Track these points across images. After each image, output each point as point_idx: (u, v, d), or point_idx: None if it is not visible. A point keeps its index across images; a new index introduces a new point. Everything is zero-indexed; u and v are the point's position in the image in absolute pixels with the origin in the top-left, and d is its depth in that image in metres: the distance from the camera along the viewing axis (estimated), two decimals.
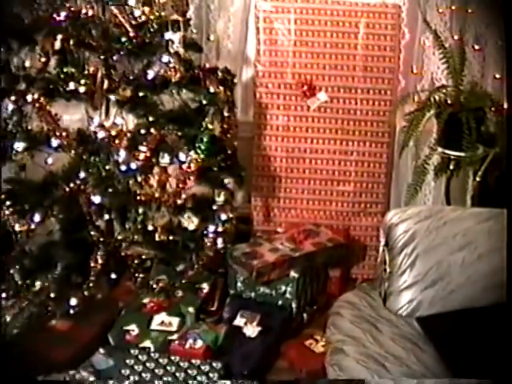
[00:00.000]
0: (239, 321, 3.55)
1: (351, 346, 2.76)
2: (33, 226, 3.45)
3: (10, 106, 3.44)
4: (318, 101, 3.93)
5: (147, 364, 3.20)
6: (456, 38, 3.87)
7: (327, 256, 3.84)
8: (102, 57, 3.43)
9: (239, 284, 3.74)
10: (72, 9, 3.40)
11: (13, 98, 3.44)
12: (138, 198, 3.49)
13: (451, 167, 3.87)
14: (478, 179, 3.77)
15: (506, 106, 3.67)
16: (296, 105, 3.96)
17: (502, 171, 3.65)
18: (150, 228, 3.58)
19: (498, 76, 3.91)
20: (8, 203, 3.42)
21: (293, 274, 3.67)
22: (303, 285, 3.70)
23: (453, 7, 3.87)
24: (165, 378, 3.15)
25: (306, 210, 4.06)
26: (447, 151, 3.80)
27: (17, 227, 3.45)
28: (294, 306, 3.68)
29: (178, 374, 3.16)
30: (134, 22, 3.43)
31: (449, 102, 3.78)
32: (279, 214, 4.08)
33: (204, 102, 3.52)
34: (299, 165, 4.02)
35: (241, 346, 3.42)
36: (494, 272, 2.83)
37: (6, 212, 3.43)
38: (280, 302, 3.69)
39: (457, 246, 2.87)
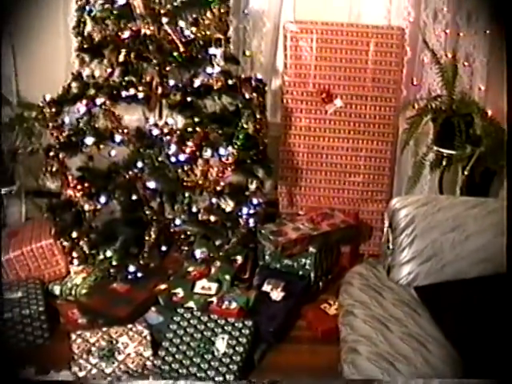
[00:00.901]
0: (266, 287, 3.58)
1: (360, 310, 2.78)
2: (98, 207, 3.50)
3: (82, 109, 3.48)
4: (335, 106, 3.94)
5: (191, 321, 3.23)
6: (449, 55, 3.86)
7: (340, 235, 3.86)
8: (156, 68, 3.44)
9: (267, 257, 3.77)
10: (133, 28, 3.44)
11: (84, 101, 3.48)
12: (185, 184, 3.51)
13: (444, 163, 3.89)
14: (466, 173, 3.76)
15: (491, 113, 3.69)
16: (316, 109, 3.96)
17: (486, 167, 3.68)
18: (194, 209, 3.60)
19: (482, 88, 3.92)
20: (79, 187, 3.47)
21: (311, 249, 3.70)
22: (320, 258, 3.73)
23: (447, 31, 3.87)
24: (205, 333, 3.19)
25: (322, 196, 4.07)
26: (441, 150, 3.83)
27: (86, 207, 3.50)
28: (311, 275, 3.70)
29: (216, 330, 3.19)
30: (183, 40, 3.44)
31: (443, 108, 3.80)
32: (300, 200, 4.10)
33: (240, 105, 3.53)
34: (318, 159, 4.03)
35: (267, 308, 3.45)
36: (479, 250, 2.85)
37: (77, 194, 3.48)
38: (300, 272, 3.71)
39: (448, 228, 2.87)
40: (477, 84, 3.94)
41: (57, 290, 3.66)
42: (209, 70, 3.48)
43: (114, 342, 3.21)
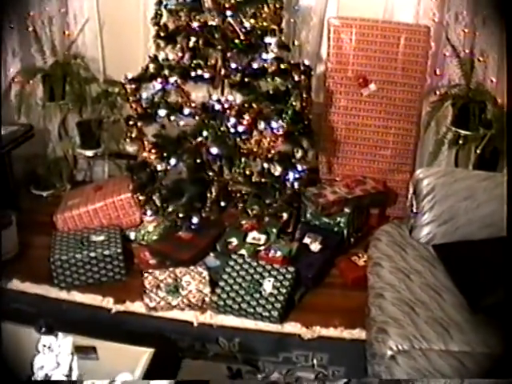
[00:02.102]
0: (306, 240, 3.55)
1: (386, 262, 2.76)
2: (169, 168, 3.50)
3: (157, 86, 3.47)
4: (369, 90, 3.86)
5: (243, 265, 3.24)
6: (467, 51, 3.79)
7: (370, 199, 3.81)
8: (220, 53, 3.41)
9: (308, 215, 3.74)
10: (202, 20, 3.39)
11: (159, 80, 3.46)
12: (242, 151, 3.48)
13: (460, 142, 3.83)
14: (478, 151, 3.70)
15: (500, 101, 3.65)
16: (353, 92, 3.88)
17: (495, 147, 3.63)
18: (248, 172, 3.58)
19: (494, 80, 3.83)
20: (153, 151, 3.48)
21: (346, 209, 3.67)
22: (352, 218, 3.69)
23: (466, 30, 3.78)
24: (254, 276, 3.19)
25: (357, 166, 4.00)
26: (458, 130, 3.77)
27: (158, 168, 3.50)
28: (345, 232, 3.67)
29: (263, 274, 3.19)
30: (243, 30, 3.40)
31: (461, 95, 3.74)
32: (338, 168, 4.03)
33: (290, 86, 3.47)
34: (353, 134, 3.96)
35: (307, 258, 3.43)
36: (487, 216, 2.80)
37: (152, 157, 3.49)
38: (335, 229, 3.68)
39: (462, 196, 2.82)
40: (489, 76, 3.85)
41: (132, 235, 3.69)
42: (264, 55, 3.43)
43: (179, 279, 3.24)
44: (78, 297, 3.29)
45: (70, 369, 2.21)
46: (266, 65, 3.45)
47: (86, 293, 3.31)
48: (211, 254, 3.50)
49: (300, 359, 2.93)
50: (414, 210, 2.93)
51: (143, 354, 2.36)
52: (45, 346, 2.19)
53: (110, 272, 3.37)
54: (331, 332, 3.06)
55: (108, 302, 3.23)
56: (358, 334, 2.99)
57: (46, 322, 2.18)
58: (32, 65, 4.23)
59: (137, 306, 3.20)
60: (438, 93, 3.91)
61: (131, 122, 3.52)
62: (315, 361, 2.91)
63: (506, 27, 3.35)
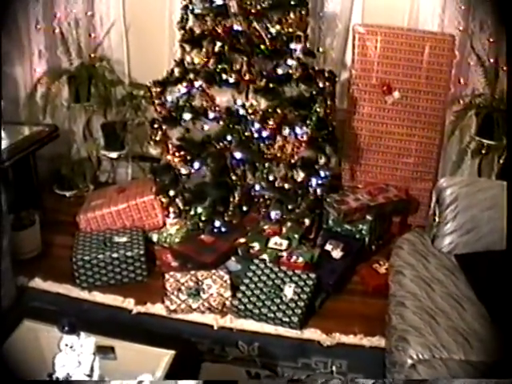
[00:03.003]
0: (328, 246, 3.55)
1: (408, 270, 2.74)
2: (192, 171, 3.52)
3: (183, 90, 3.50)
4: (393, 97, 3.86)
5: (264, 270, 3.24)
6: (492, 60, 3.78)
7: (392, 207, 3.80)
8: (245, 58, 3.41)
9: (330, 221, 3.73)
10: (227, 25, 3.42)
11: (184, 84, 3.50)
12: (265, 156, 3.49)
13: (483, 151, 3.82)
14: (501, 161, 3.70)
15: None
16: (377, 99, 3.88)
17: None
18: (271, 178, 3.58)
19: None
20: (177, 154, 3.49)
21: (368, 217, 3.66)
22: (374, 225, 3.68)
23: (490, 39, 3.77)
24: (276, 281, 3.19)
25: (379, 173, 4.00)
26: (482, 140, 3.76)
27: (182, 171, 3.52)
28: (366, 239, 3.66)
29: (284, 279, 3.19)
30: (269, 35, 3.41)
31: (485, 105, 3.74)
32: (360, 175, 4.03)
33: (314, 92, 3.48)
34: (377, 141, 3.95)
35: (328, 264, 3.43)
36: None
37: (176, 160, 3.50)
38: (357, 236, 3.67)
39: (485, 206, 2.79)
40: None
41: (154, 237, 3.71)
42: (289, 61, 3.45)
43: (200, 283, 3.25)
44: (99, 297, 3.32)
45: (92, 369, 2.22)
46: (290, 71, 3.46)
47: (107, 293, 3.33)
48: (233, 258, 3.50)
49: (319, 365, 2.91)
50: (437, 219, 2.92)
51: (164, 356, 2.37)
52: (67, 345, 2.19)
53: (131, 273, 3.40)
54: (351, 339, 3.05)
55: (129, 303, 3.25)
56: (378, 341, 2.98)
57: (69, 321, 2.19)
58: (58, 66, 4.28)
59: (157, 308, 3.21)
60: (461, 102, 3.90)
61: (156, 125, 3.55)
62: (334, 367, 2.90)
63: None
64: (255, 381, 2.83)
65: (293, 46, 3.44)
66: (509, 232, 2.62)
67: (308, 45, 3.55)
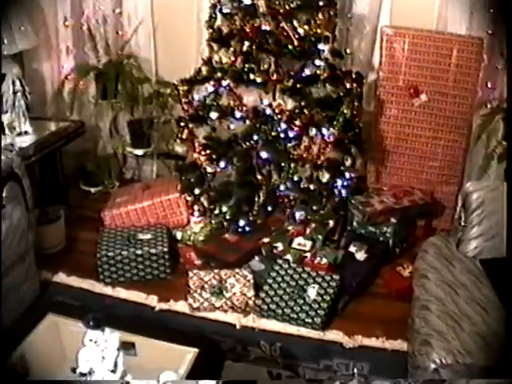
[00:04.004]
0: (352, 248, 3.53)
1: (432, 274, 2.74)
2: (218, 170, 3.53)
3: (210, 88, 3.52)
4: (420, 100, 3.84)
5: (288, 270, 3.23)
6: None
7: (417, 210, 3.78)
8: (273, 58, 3.42)
9: (354, 223, 3.72)
10: (255, 25, 3.42)
11: (211, 82, 3.51)
12: (291, 156, 3.50)
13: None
14: None
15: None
16: (404, 102, 3.86)
17: None
18: (296, 178, 3.58)
19: None
20: (203, 153, 3.50)
21: (392, 220, 3.63)
22: (399, 228, 3.65)
23: None
24: (299, 282, 3.18)
25: (405, 176, 3.98)
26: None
27: (208, 169, 3.54)
28: (390, 242, 3.64)
29: (308, 280, 3.18)
30: (297, 36, 3.42)
31: None
32: (386, 177, 4.01)
33: (341, 94, 3.48)
34: (403, 144, 3.93)
35: (352, 266, 3.41)
36: None
37: (202, 158, 3.52)
38: (381, 239, 3.65)
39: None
40: None
41: (179, 235, 3.73)
42: (317, 62, 3.45)
43: (224, 281, 3.25)
44: (122, 293, 3.34)
45: (115, 364, 2.24)
46: (318, 71, 3.47)
47: (130, 289, 3.35)
48: (256, 258, 3.50)
49: (340, 367, 2.91)
50: (462, 224, 2.90)
51: (188, 354, 2.39)
52: (91, 340, 2.22)
53: (155, 270, 3.41)
54: (373, 342, 3.03)
55: (152, 300, 3.26)
56: (400, 345, 2.96)
57: (94, 316, 2.21)
58: (85, 63, 4.31)
59: (180, 306, 3.23)
60: (489, 106, 3.86)
61: (182, 123, 3.57)
62: (356, 370, 2.89)
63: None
64: (275, 381, 2.82)
65: (321, 46, 3.44)
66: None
67: (336, 46, 3.54)
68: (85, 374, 2.23)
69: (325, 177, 3.48)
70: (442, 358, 2.30)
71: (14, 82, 3.68)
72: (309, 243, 3.53)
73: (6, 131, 3.74)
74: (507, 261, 2.66)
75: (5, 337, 2.66)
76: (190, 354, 2.39)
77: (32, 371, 2.44)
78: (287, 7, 3.38)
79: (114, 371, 2.23)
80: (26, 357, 2.43)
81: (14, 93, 3.68)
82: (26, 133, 3.74)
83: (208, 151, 3.50)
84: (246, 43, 3.45)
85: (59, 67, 4.38)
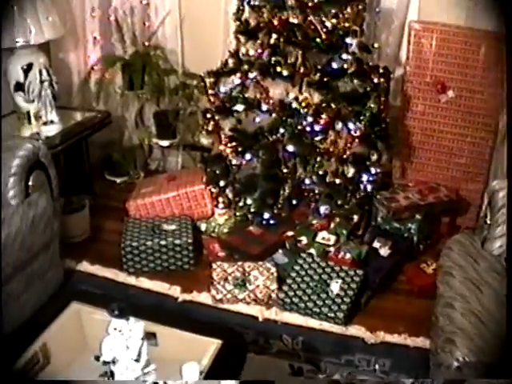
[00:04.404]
0: (376, 244, 3.51)
1: (457, 272, 2.71)
2: (243, 162, 3.54)
3: (237, 81, 3.52)
4: (447, 96, 3.80)
5: (311, 264, 3.23)
6: None
7: (442, 207, 3.75)
8: (300, 51, 3.41)
9: (379, 219, 3.70)
10: (283, 17, 3.41)
11: (238, 75, 3.51)
12: (317, 150, 3.50)
13: None
14: None
15: None
16: (431, 97, 3.83)
17: None
18: (321, 172, 3.57)
19: None
20: (229, 145, 3.51)
21: (417, 216, 3.61)
22: (423, 225, 3.63)
23: None
24: (322, 276, 3.18)
25: (430, 172, 3.95)
26: None
27: (233, 161, 3.54)
28: (415, 238, 3.62)
29: (331, 274, 3.18)
30: (325, 29, 3.40)
31: None
32: (411, 173, 4.00)
33: (368, 88, 3.46)
34: (429, 140, 3.91)
35: (376, 261, 3.40)
36: None
37: (227, 151, 3.52)
38: (405, 235, 3.63)
39: None
40: None
41: (203, 227, 3.74)
42: (344, 56, 3.42)
43: (247, 274, 3.25)
44: (145, 283, 3.36)
45: (139, 354, 2.25)
46: (345, 65, 3.44)
47: (153, 280, 3.37)
48: (280, 251, 3.50)
49: (362, 363, 2.90)
50: (488, 222, 2.87)
51: (211, 345, 2.39)
52: (115, 328, 2.22)
53: (178, 261, 3.43)
54: (395, 338, 3.02)
55: (175, 291, 3.28)
56: (422, 342, 2.95)
57: (119, 305, 2.21)
58: (112, 54, 4.32)
59: (203, 297, 3.24)
60: None
61: (208, 115, 3.57)
62: (377, 366, 2.89)
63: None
64: (293, 378, 2.82)
65: (348, 40, 3.41)
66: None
67: (363, 40, 3.52)
68: (108, 363, 2.24)
69: (350, 171, 3.47)
70: (466, 357, 2.29)
71: (41, 72, 3.71)
72: (333, 238, 3.52)
73: (32, 120, 3.77)
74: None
75: (28, 325, 2.71)
76: (213, 345, 2.39)
77: (53, 359, 2.46)
78: (315, 0, 3.35)
79: (137, 360, 2.24)
80: (48, 345, 2.45)
81: (41, 82, 3.71)
82: (52, 122, 3.75)
83: (234, 143, 3.50)
84: (274, 36, 3.43)
85: (86, 57, 4.39)
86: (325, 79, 3.43)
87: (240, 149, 3.48)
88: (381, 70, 3.52)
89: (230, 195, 3.71)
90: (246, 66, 3.50)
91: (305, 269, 3.22)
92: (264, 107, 3.46)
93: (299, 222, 3.70)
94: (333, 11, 3.40)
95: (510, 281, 2.55)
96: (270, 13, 3.45)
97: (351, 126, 3.38)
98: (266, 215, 3.63)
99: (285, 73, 3.43)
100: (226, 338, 2.44)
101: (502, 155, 3.98)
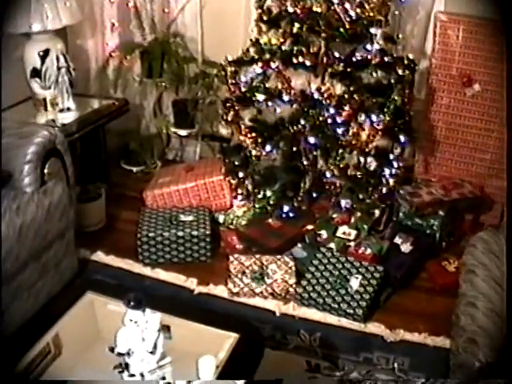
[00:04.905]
0: (397, 240, 3.48)
1: (481, 270, 2.66)
2: (263, 153, 3.52)
3: (258, 70, 3.50)
4: (473, 90, 3.76)
5: (331, 259, 3.21)
6: None
7: (466, 203, 3.71)
8: (323, 41, 3.39)
9: (401, 214, 3.67)
10: (306, 6, 3.38)
11: (259, 64, 3.49)
12: (340, 142, 3.48)
13: None
14: None
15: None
16: (456, 91, 3.78)
17: None
18: (342, 165, 3.55)
19: None
20: (249, 135, 3.50)
21: (440, 212, 3.58)
22: (446, 221, 3.60)
23: None
24: (342, 271, 3.17)
25: (454, 168, 3.91)
26: None
27: (253, 152, 3.53)
28: (437, 235, 3.59)
29: (351, 270, 3.16)
30: (349, 19, 3.38)
31: None
32: (434, 168, 3.95)
33: (392, 80, 3.43)
34: (453, 135, 3.86)
35: (397, 258, 3.37)
36: None
37: (247, 141, 3.51)
38: (428, 231, 3.60)
39: None
40: None
41: (221, 218, 3.73)
42: (368, 46, 3.40)
43: (265, 267, 3.24)
44: (161, 274, 3.36)
45: (155, 346, 2.24)
46: (369, 56, 3.42)
47: (169, 271, 3.37)
48: (299, 245, 3.49)
49: (381, 361, 2.88)
50: None
51: (228, 339, 2.38)
52: (131, 320, 2.22)
53: (195, 253, 3.43)
54: (415, 337, 3.00)
55: (192, 283, 3.28)
56: (442, 341, 2.93)
57: (136, 295, 2.21)
58: (130, 41, 4.32)
59: (220, 290, 3.23)
60: None
61: (228, 105, 3.55)
62: (396, 364, 2.87)
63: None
64: (299, 379, 2.81)
65: (373, 30, 3.39)
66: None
67: (388, 31, 3.49)
68: (123, 354, 2.23)
69: (372, 165, 3.45)
70: (488, 357, 2.27)
71: (58, 58, 3.70)
72: (353, 232, 3.51)
73: (49, 107, 3.77)
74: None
75: (41, 315, 2.73)
76: (230, 338, 2.38)
77: (65, 350, 2.46)
78: None
79: (153, 353, 2.23)
80: (61, 336, 2.45)
81: (58, 69, 3.70)
82: (68, 109, 3.77)
83: (254, 134, 3.49)
84: (296, 25, 3.41)
85: (104, 44, 4.39)
86: (348, 70, 3.41)
87: (260, 140, 3.47)
88: (406, 62, 3.48)
89: (250, 187, 3.70)
90: (267, 55, 3.48)
91: (324, 263, 3.20)
92: (285, 97, 3.45)
93: (319, 216, 3.68)
94: (357, 0, 3.38)
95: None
96: (292, 1, 3.42)
97: (374, 118, 3.36)
98: (286, 208, 3.62)
99: (307, 63, 3.41)
100: (243, 331, 2.42)
101: None
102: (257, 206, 3.71)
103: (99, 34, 4.38)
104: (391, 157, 3.47)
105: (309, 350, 2.94)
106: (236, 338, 2.38)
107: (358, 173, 3.51)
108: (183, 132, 4.29)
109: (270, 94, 3.48)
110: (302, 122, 3.44)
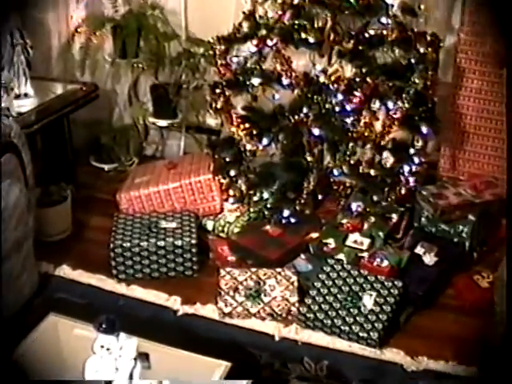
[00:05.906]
0: (419, 250, 3.50)
1: None
2: (260, 147, 3.54)
3: (252, 48, 3.52)
4: None
5: (340, 273, 3.23)
6: None
7: (501, 206, 3.70)
8: (330, 14, 3.42)
9: (423, 219, 3.69)
10: None
11: (254, 41, 3.51)
12: (350, 134, 3.50)
13: None
14: None
15: None
16: (490, 72, 3.82)
17: None
18: (353, 161, 3.58)
19: None
20: (242, 126, 3.52)
21: (470, 217, 3.59)
22: (478, 227, 3.62)
23: None
24: (353, 287, 3.18)
25: (487, 164, 3.95)
26: None
27: (247, 147, 3.56)
28: (467, 244, 3.61)
29: (364, 286, 3.18)
30: None
31: None
32: (463, 165, 3.99)
33: (413, 60, 3.45)
34: (486, 124, 3.89)
35: (418, 271, 3.38)
36: None
37: (240, 133, 3.53)
38: (455, 240, 3.62)
39: None
40: None
41: (210, 225, 3.76)
42: (384, 20, 3.43)
43: (262, 283, 3.27)
44: (138, 292, 3.37)
45: (131, 376, 2.26)
46: (384, 31, 3.45)
47: (148, 288, 3.38)
48: (302, 256, 3.51)
49: None
50: None
51: (218, 368, 2.40)
52: (103, 346, 2.23)
53: (180, 266, 3.45)
54: (441, 365, 3.01)
55: (175, 302, 3.29)
56: (474, 371, 2.93)
57: (108, 318, 2.22)
58: (100, 13, 4.34)
59: (208, 310, 3.25)
60: None
61: (218, 90, 3.58)
62: None
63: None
64: None
65: (389, 0, 3.41)
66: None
67: (407, 0, 3.51)
68: None
69: (389, 161, 3.48)
70: None
71: (12, 34, 3.70)
72: (367, 241, 3.53)
73: (2, 92, 3.76)
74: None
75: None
76: (221, 367, 2.40)
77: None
78: None
79: None
80: (19, 365, 2.46)
81: (13, 46, 3.70)
82: (26, 95, 3.79)
83: (248, 125, 3.52)
84: None
85: (67, 18, 4.40)
86: (360, 48, 3.45)
87: (255, 131, 3.50)
88: (428, 38, 3.51)
89: (243, 187, 3.73)
90: (263, 31, 3.51)
91: (332, 278, 3.23)
92: (285, 81, 3.49)
93: (326, 222, 3.72)
94: None
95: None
96: None
97: (391, 105, 3.40)
98: (286, 212, 3.65)
99: (311, 40, 3.44)
100: (235, 359, 2.45)
101: None
102: (252, 210, 3.75)
103: (63, 5, 4.40)
104: (411, 151, 3.49)
105: (315, 380, 2.95)
106: (227, 367, 2.40)
107: (372, 170, 3.54)
108: (164, 122, 4.33)
109: (266, 78, 3.51)
110: (305, 110, 3.47)
